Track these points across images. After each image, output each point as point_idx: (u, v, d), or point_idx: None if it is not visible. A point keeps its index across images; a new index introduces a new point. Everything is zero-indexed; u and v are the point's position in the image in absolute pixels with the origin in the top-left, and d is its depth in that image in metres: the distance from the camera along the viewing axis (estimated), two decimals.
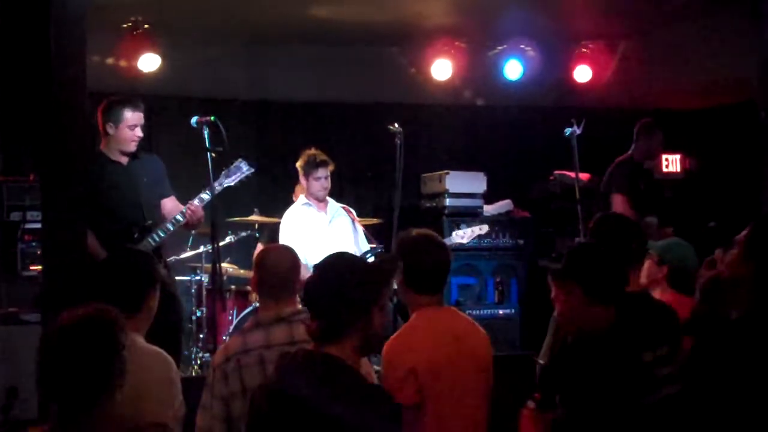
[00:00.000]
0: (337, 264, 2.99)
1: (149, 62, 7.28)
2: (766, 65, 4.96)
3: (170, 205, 5.50)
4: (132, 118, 5.39)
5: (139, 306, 3.52)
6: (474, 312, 7.35)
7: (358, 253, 6.36)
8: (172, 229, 5.33)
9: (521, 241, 7.85)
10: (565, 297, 3.39)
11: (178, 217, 5.32)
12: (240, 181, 5.52)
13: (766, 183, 5.36)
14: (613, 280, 3.24)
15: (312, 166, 6.41)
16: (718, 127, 8.09)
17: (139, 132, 5.39)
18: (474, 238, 6.71)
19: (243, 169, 5.51)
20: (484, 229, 6.74)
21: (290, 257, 3.75)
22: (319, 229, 6.42)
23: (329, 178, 6.46)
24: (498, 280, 7.75)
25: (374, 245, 6.59)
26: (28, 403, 5.22)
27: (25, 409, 5.46)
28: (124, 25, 7.17)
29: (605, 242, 3.57)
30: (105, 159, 5.43)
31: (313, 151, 6.46)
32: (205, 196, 5.37)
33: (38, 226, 6.03)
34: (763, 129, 5.03)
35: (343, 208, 6.68)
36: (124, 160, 5.46)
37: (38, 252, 6.19)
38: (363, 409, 2.59)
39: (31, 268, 6.30)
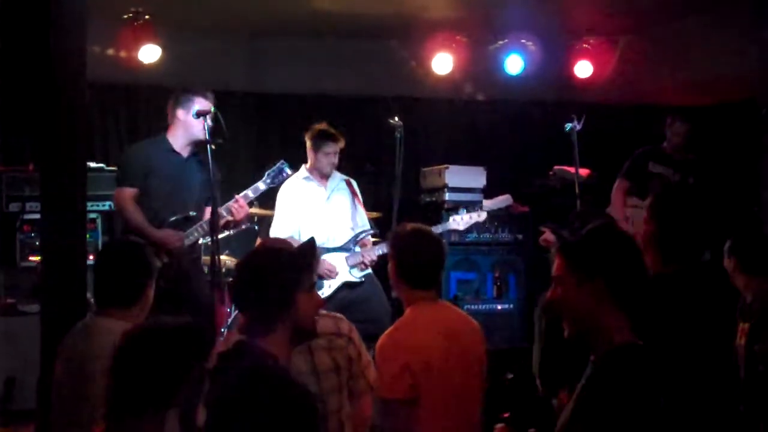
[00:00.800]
0: (254, 257, 3.03)
1: (150, 53, 7.26)
2: (767, 62, 4.96)
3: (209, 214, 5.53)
4: (204, 105, 5.39)
5: (137, 298, 3.51)
6: (472, 307, 7.35)
7: (354, 231, 6.33)
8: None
9: (520, 236, 7.84)
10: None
11: (223, 212, 5.34)
12: (282, 181, 5.73)
13: (765, 180, 5.36)
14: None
15: (323, 139, 6.22)
16: (719, 124, 8.08)
17: (208, 121, 5.28)
18: (471, 225, 6.59)
19: (285, 171, 5.67)
20: (483, 216, 6.62)
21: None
22: (315, 204, 6.25)
23: (338, 155, 6.28)
24: (497, 275, 7.75)
25: (369, 228, 6.47)
26: (27, 393, 5.23)
27: (24, 399, 5.47)
28: (125, 16, 7.14)
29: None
30: (168, 146, 5.47)
31: (323, 125, 6.29)
32: (251, 193, 5.53)
33: (37, 216, 6.05)
34: (765, 126, 5.03)
35: (346, 180, 6.47)
36: (186, 152, 5.49)
37: (37, 243, 6.20)
38: (273, 412, 2.54)
39: (29, 258, 6.31)
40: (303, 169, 6.36)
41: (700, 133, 8.17)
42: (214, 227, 5.00)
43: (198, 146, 5.46)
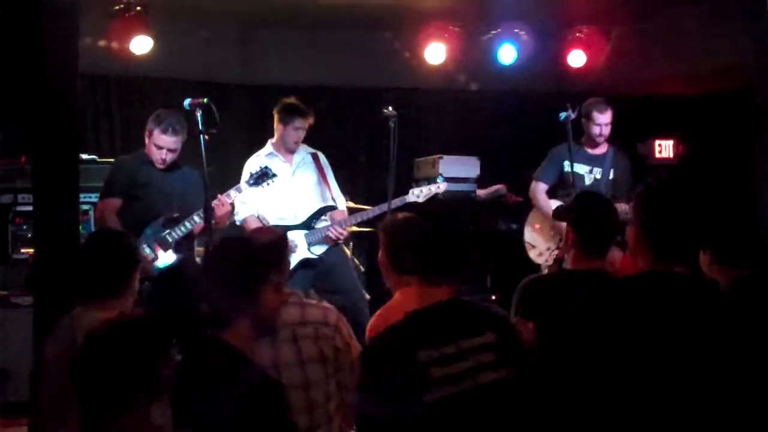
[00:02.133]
0: (219, 249, 3.03)
1: (141, 44, 7.22)
2: (762, 52, 4.94)
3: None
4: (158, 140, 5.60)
5: (122, 287, 3.49)
6: (467, 296, 7.35)
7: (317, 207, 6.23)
8: (198, 221, 5.46)
9: (514, 226, 7.83)
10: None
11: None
12: (266, 184, 5.76)
13: (759, 170, 5.35)
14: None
15: (292, 114, 6.14)
16: (713, 113, 8.08)
17: (163, 154, 5.59)
18: (430, 197, 6.47)
19: (269, 174, 5.72)
20: (442, 187, 6.52)
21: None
22: (279, 181, 6.03)
23: (305, 131, 6.20)
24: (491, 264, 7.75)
25: (334, 204, 6.36)
26: (20, 385, 5.22)
27: (17, 391, 5.46)
28: (116, 7, 7.10)
29: None
30: (146, 159, 5.68)
31: (292, 99, 6.23)
32: (233, 193, 5.63)
33: (29, 208, 6.02)
34: (759, 116, 5.02)
35: (312, 154, 6.36)
36: (160, 167, 5.67)
37: (29, 235, 6.18)
38: (240, 404, 2.53)
39: (22, 251, 6.29)
40: (268, 145, 6.31)
41: (693, 123, 8.20)
42: (207, 218, 5.01)
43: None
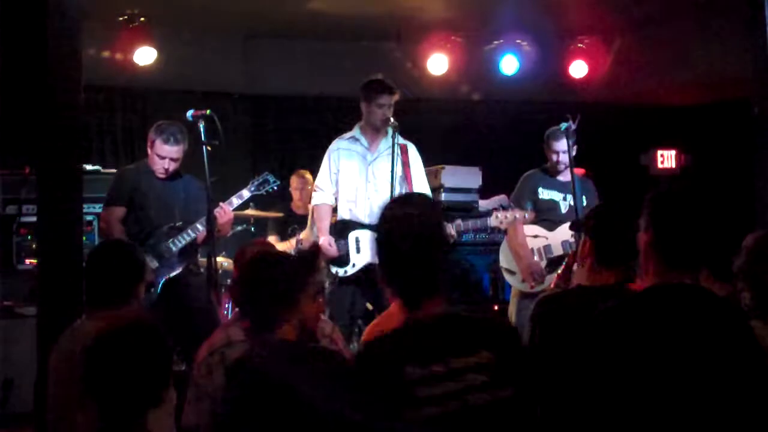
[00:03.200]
0: (257, 260, 3.08)
1: (145, 55, 7.27)
2: (759, 62, 4.97)
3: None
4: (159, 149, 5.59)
5: (128, 298, 3.51)
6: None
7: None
8: (201, 229, 5.46)
9: None
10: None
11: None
12: (267, 191, 5.76)
13: (759, 179, 5.37)
14: None
15: (374, 90, 5.80)
16: (714, 123, 8.11)
17: (165, 164, 5.58)
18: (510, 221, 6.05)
19: (270, 181, 5.74)
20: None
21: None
22: (356, 168, 5.83)
23: (392, 108, 5.81)
24: (493, 275, 7.75)
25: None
26: (25, 395, 5.23)
27: (22, 402, 5.47)
28: (120, 18, 7.16)
29: None
30: (148, 169, 5.66)
31: (378, 76, 5.92)
32: (235, 200, 5.62)
33: (34, 219, 6.05)
34: (757, 125, 5.04)
35: (402, 146, 5.89)
36: (162, 177, 5.66)
37: (34, 245, 6.20)
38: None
39: (26, 261, 6.30)
40: (356, 127, 5.98)
41: (694, 133, 8.22)
42: (210, 229, 5.04)
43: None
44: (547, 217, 6.19)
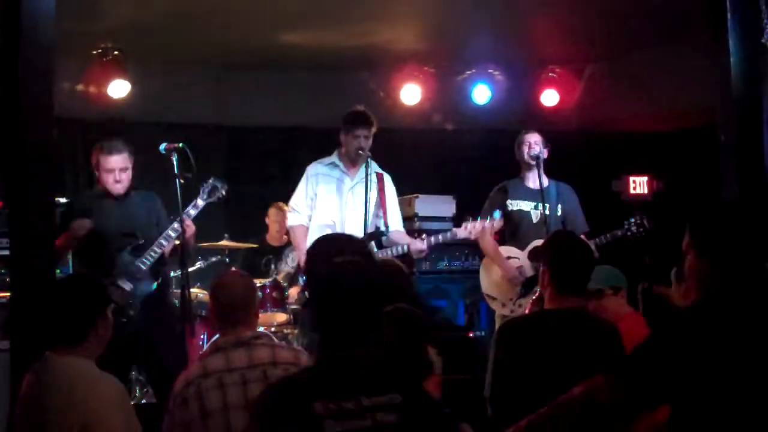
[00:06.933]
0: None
1: (119, 88, 7.29)
2: (724, 90, 5.06)
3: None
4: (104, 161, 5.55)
5: (85, 334, 3.43)
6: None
7: (360, 231, 5.88)
8: (165, 244, 5.45)
9: None
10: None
11: (170, 232, 5.44)
12: (218, 197, 5.67)
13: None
14: None
15: (353, 121, 6.03)
16: (684, 149, 8.20)
17: (116, 175, 5.54)
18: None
19: (218, 187, 5.64)
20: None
21: (244, 282, 3.74)
22: (334, 193, 6.03)
23: (369, 140, 6.02)
24: (468, 302, 7.78)
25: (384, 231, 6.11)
26: None
27: None
28: (94, 52, 7.18)
29: None
30: (99, 192, 5.66)
31: (360, 108, 6.14)
32: (192, 211, 5.54)
33: (6, 253, 6.02)
34: (723, 151, 5.12)
35: (378, 174, 6.13)
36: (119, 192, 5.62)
37: (7, 279, 6.16)
38: None
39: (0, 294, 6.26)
40: (334, 154, 6.20)
41: (665, 159, 8.31)
42: (183, 262, 5.05)
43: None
44: (519, 230, 6.21)
